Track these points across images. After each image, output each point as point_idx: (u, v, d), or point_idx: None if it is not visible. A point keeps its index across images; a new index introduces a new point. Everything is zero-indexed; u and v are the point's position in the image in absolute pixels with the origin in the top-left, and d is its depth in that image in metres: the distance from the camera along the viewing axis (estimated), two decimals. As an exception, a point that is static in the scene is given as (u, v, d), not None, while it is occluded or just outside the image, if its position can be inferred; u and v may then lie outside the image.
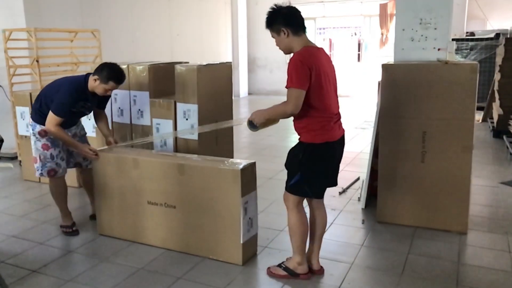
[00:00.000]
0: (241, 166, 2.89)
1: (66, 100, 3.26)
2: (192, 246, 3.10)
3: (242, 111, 9.87)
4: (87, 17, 7.19)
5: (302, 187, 2.65)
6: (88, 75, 3.38)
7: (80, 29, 6.04)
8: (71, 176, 4.63)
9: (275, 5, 2.63)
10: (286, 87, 2.47)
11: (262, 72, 12.98)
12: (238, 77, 12.17)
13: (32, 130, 3.45)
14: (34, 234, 3.51)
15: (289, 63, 2.49)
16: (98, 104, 3.57)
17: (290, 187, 2.69)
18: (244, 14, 12.31)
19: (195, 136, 3.77)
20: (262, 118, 2.61)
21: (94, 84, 3.30)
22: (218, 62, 4.17)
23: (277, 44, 2.68)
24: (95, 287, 2.73)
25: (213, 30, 11.31)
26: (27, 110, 4.75)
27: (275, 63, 12.76)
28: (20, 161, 5.20)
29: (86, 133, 3.77)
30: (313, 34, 12.49)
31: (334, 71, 2.70)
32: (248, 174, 2.93)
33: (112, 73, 3.27)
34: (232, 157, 4.42)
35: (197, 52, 10.21)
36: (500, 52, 7.12)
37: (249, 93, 12.92)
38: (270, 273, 2.85)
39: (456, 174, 3.34)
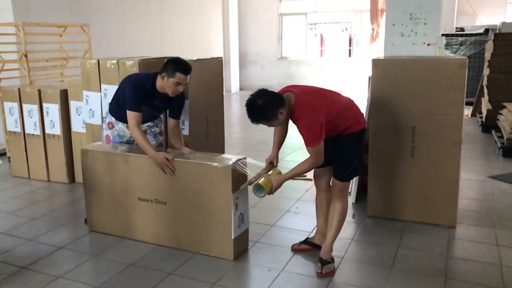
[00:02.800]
0: (232, 162, 2.89)
1: (134, 95, 3.15)
2: (183, 241, 3.09)
3: (234, 106, 9.86)
4: (77, 11, 7.11)
5: (356, 171, 2.88)
6: (156, 74, 3.20)
7: (69, 24, 5.98)
8: (61, 172, 4.61)
9: (251, 101, 2.64)
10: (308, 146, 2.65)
11: (254, 68, 12.96)
12: (229, 72, 12.13)
13: (105, 118, 3.52)
14: (23, 230, 3.48)
15: (301, 121, 2.64)
16: (170, 110, 3.37)
17: (348, 175, 2.86)
18: (235, 9, 12.26)
19: (185, 132, 3.76)
20: (281, 183, 2.78)
21: (163, 83, 3.11)
22: (209, 57, 4.16)
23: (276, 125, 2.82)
24: (85, 284, 2.72)
25: (204, 25, 11.26)
26: (15, 106, 4.71)
27: (266, 58, 12.75)
28: (9, 157, 5.15)
29: (160, 131, 3.61)
30: (304, 30, 12.49)
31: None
32: (239, 169, 2.93)
33: (176, 64, 3.09)
34: (223, 152, 4.42)
35: (188, 47, 10.15)
36: (489, 47, 7.17)
37: (241, 89, 12.89)
38: (326, 274, 2.77)
39: (445, 169, 3.38)
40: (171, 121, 3.40)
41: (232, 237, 2.92)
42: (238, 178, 2.91)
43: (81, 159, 3.40)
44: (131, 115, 3.13)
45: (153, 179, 3.11)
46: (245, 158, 3.02)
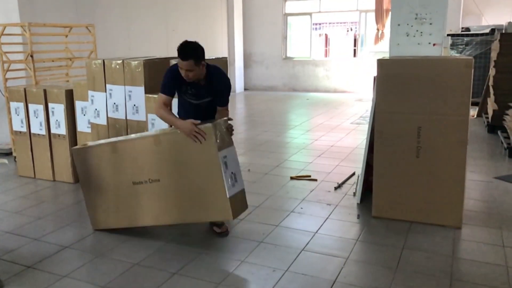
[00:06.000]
0: (212, 122, 2.95)
1: (165, 77, 3.23)
2: (183, 214, 3.12)
3: (238, 106, 9.86)
4: (82, 12, 7.14)
5: None
6: None
7: (75, 24, 6.00)
8: (67, 172, 4.63)
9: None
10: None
11: (258, 68, 12.97)
12: (234, 72, 12.15)
13: None
14: (29, 230, 3.50)
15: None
16: (214, 98, 3.29)
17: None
18: (240, 9, 12.27)
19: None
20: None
21: None
22: (213, 57, 4.16)
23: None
24: (90, 283, 2.73)
25: (208, 25, 11.28)
26: (21, 106, 4.73)
27: (271, 58, 12.75)
28: (15, 157, 5.17)
29: None
30: (309, 30, 12.48)
31: None
32: (222, 129, 2.99)
33: (178, 48, 3.07)
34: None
35: (193, 48, 10.15)
36: (495, 47, 7.13)
37: (245, 89, 12.91)
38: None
39: (451, 169, 3.36)
40: (218, 110, 3.33)
41: (228, 196, 2.93)
42: (222, 137, 2.95)
43: (74, 160, 3.42)
44: (158, 97, 3.22)
45: (143, 160, 3.16)
46: (226, 119, 3.08)
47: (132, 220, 3.30)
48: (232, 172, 3.00)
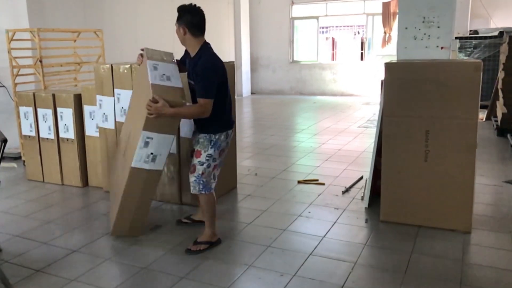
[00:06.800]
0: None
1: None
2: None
3: (245, 110, 9.87)
4: (90, 17, 7.20)
5: None
6: None
7: (83, 29, 6.05)
8: (75, 176, 4.65)
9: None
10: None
11: (265, 72, 12.99)
12: (241, 76, 12.17)
13: None
14: (38, 233, 3.52)
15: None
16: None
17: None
18: (246, 13, 12.31)
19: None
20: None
21: None
22: (220, 62, 4.17)
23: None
24: (98, 287, 2.73)
25: (215, 30, 11.31)
26: (30, 110, 4.77)
27: (278, 62, 12.77)
28: (24, 161, 5.22)
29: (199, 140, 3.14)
30: (315, 33, 12.48)
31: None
32: (161, 53, 3.30)
33: None
34: (235, 157, 4.44)
35: (200, 52, 10.20)
36: (504, 50, 7.08)
37: (252, 93, 12.93)
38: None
39: (460, 173, 3.33)
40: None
41: (150, 82, 2.99)
42: (158, 55, 3.25)
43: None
44: None
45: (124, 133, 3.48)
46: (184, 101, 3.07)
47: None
48: (164, 74, 3.09)
